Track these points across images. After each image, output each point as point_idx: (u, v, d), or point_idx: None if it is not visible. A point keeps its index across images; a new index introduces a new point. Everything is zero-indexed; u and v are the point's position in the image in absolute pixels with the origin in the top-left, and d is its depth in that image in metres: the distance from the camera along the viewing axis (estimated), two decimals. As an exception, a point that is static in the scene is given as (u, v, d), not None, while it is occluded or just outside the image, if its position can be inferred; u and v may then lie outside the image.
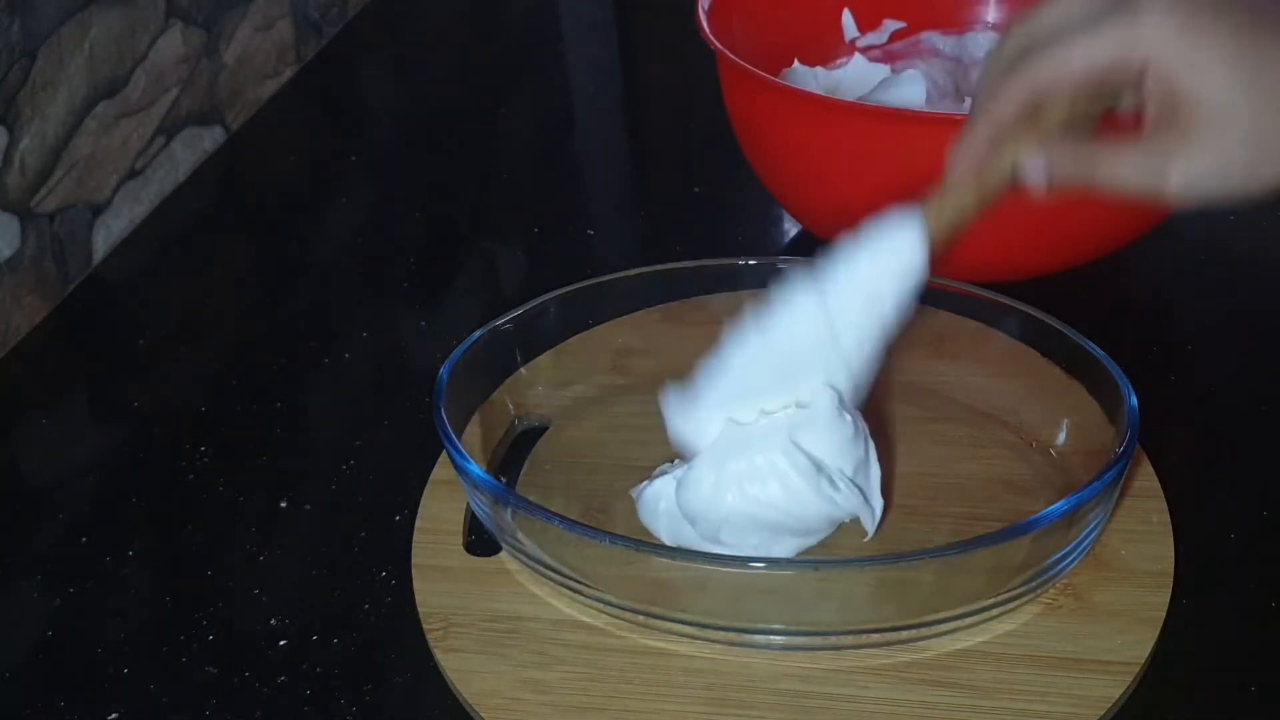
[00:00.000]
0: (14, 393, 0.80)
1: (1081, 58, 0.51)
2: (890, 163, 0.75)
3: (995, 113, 0.53)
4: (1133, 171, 0.50)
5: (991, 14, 0.96)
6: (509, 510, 0.61)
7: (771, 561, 0.59)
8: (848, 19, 0.95)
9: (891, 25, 0.95)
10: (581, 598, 0.60)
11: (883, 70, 0.91)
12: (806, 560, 0.58)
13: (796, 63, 0.92)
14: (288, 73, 1.14)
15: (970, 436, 0.70)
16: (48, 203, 0.86)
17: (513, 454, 0.71)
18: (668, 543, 0.62)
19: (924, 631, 0.58)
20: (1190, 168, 0.49)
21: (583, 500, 0.67)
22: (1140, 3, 0.49)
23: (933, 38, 0.95)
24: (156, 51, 0.95)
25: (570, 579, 0.60)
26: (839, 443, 0.59)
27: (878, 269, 0.58)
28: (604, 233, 0.95)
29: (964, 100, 0.88)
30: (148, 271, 0.92)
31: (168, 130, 0.98)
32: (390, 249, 0.93)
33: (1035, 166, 0.53)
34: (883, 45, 0.95)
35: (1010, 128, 0.53)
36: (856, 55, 0.92)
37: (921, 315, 0.73)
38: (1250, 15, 0.48)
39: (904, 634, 0.58)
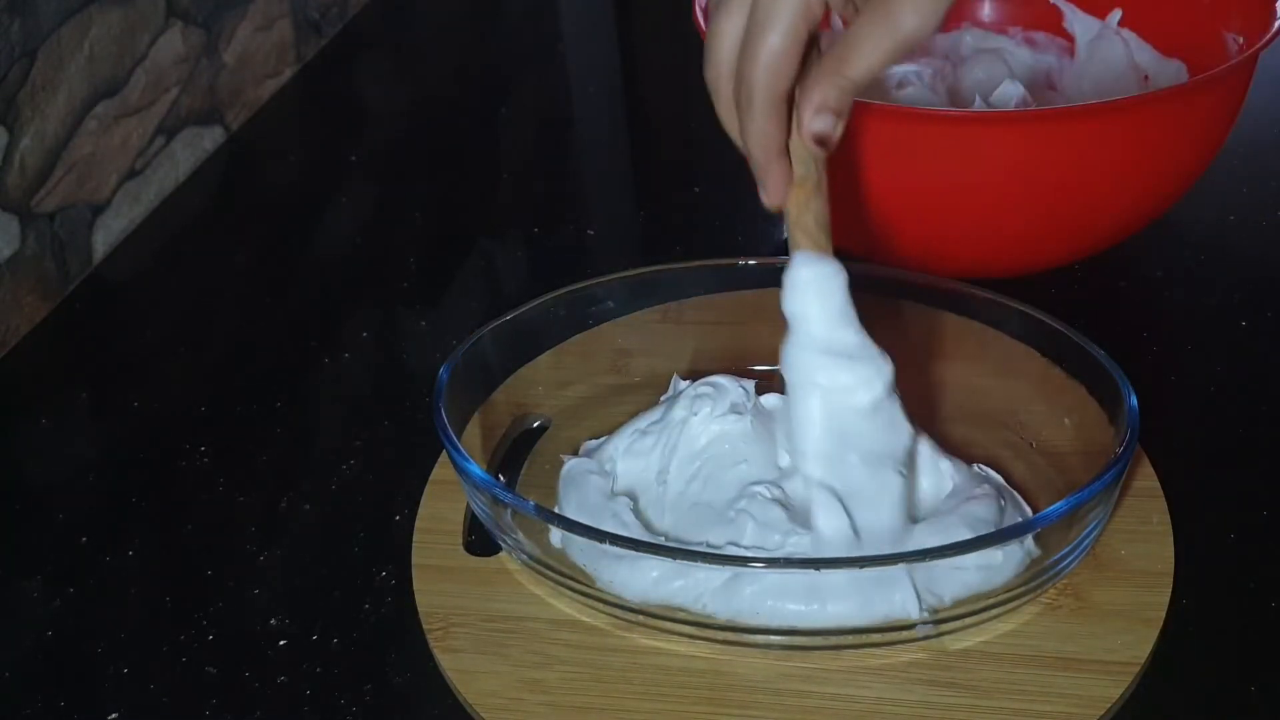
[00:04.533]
0: (14, 393, 0.80)
1: (783, 43, 0.53)
2: (887, 159, 0.76)
3: (775, 140, 0.56)
4: (874, 43, 0.53)
5: (978, 11, 0.96)
6: (509, 510, 0.61)
7: (771, 561, 0.59)
8: (836, 20, 0.94)
9: None
10: (581, 598, 0.60)
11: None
12: (806, 560, 0.58)
13: None
14: (288, 73, 1.14)
15: (970, 436, 0.70)
16: (48, 203, 0.86)
17: (513, 454, 0.71)
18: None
19: (924, 631, 0.58)
20: (916, 4, 0.52)
21: (583, 500, 0.67)
22: None
23: None
24: (156, 51, 0.96)
25: (570, 579, 0.60)
26: None
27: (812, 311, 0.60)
28: (604, 233, 0.95)
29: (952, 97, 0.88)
30: (148, 271, 0.92)
31: (168, 130, 0.98)
32: (390, 249, 0.93)
33: (822, 119, 0.55)
34: None
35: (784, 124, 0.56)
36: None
37: (922, 315, 0.74)
38: None
39: (904, 634, 0.58)
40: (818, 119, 0.55)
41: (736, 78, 0.55)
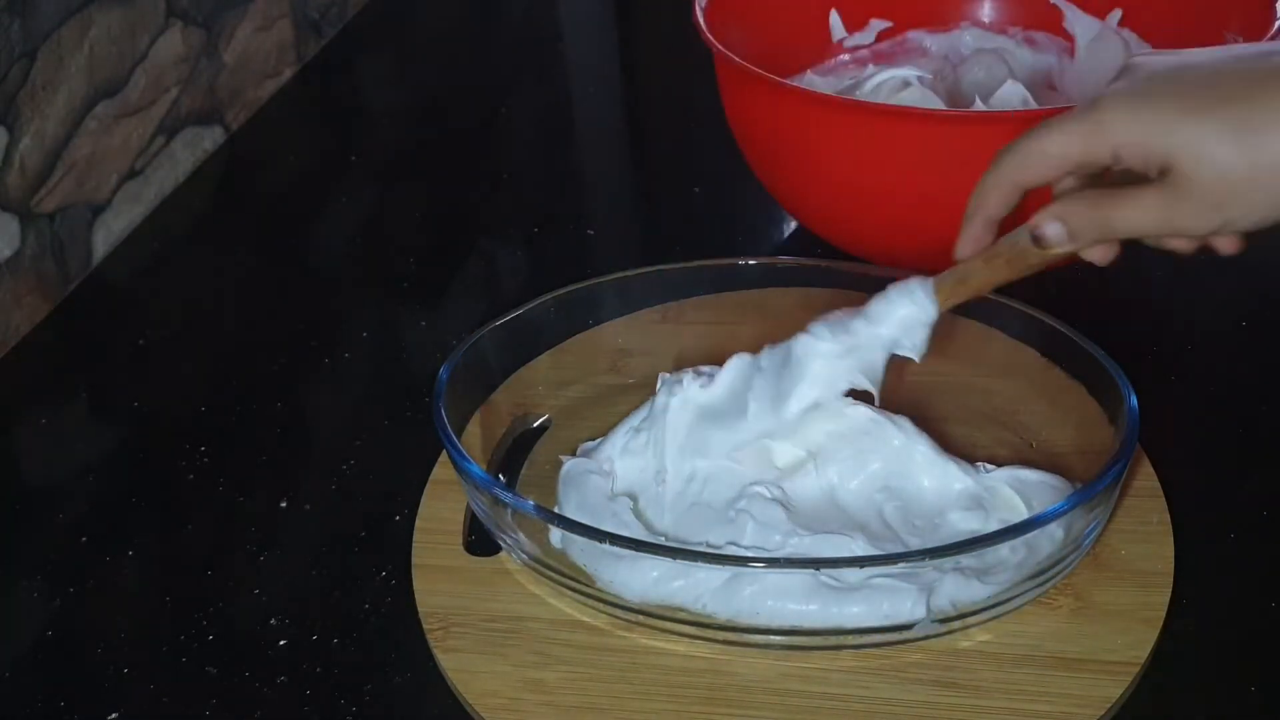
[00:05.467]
0: (14, 393, 0.80)
1: (1053, 151, 0.56)
2: (887, 159, 0.76)
3: (986, 209, 0.59)
4: (1150, 216, 0.54)
5: (978, 12, 0.96)
6: (509, 510, 0.61)
7: (771, 561, 0.59)
8: (835, 19, 0.95)
9: (878, 25, 0.95)
10: (581, 598, 0.60)
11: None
12: (806, 559, 0.58)
13: (809, 73, 0.92)
14: (288, 73, 1.14)
15: (970, 436, 0.70)
16: (48, 203, 0.86)
17: (513, 454, 0.71)
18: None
19: (924, 631, 0.58)
20: (1194, 208, 0.53)
21: (583, 500, 0.67)
22: (1101, 97, 0.54)
23: (920, 36, 0.95)
24: (156, 51, 0.96)
25: (570, 579, 0.60)
26: None
27: (891, 318, 0.64)
28: (604, 233, 0.95)
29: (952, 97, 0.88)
30: (148, 271, 0.92)
31: (168, 130, 0.98)
32: (390, 249, 0.93)
33: (1052, 227, 0.57)
34: (870, 45, 0.95)
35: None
36: (869, 67, 0.92)
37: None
38: (1195, 87, 0.53)
39: (904, 634, 0.58)
40: (1048, 223, 0.57)
41: (1006, 152, 0.58)
